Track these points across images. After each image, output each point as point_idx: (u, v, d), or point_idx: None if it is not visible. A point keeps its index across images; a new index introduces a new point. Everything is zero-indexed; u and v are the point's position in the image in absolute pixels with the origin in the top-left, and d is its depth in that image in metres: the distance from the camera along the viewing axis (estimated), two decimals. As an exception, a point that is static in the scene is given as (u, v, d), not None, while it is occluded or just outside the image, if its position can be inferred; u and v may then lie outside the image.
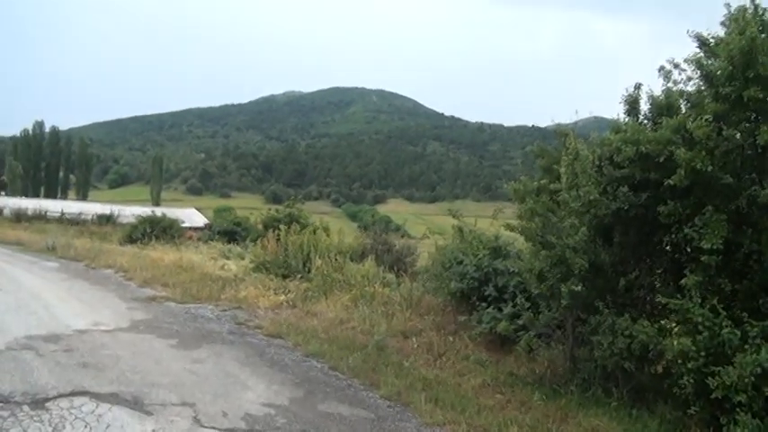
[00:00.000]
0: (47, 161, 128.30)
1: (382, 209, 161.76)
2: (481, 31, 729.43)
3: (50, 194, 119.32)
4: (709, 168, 6.54)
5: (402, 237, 29.99)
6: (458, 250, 9.98)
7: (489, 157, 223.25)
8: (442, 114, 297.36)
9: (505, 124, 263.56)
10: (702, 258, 6.50)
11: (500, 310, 8.88)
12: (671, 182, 6.79)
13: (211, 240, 28.04)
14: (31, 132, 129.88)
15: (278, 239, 15.03)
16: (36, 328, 8.89)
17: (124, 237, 33.71)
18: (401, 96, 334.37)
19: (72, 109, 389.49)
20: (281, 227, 15.28)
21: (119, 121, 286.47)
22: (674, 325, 7.12)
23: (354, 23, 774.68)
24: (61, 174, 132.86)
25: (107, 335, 8.81)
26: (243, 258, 17.74)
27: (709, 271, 6.62)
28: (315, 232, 15.53)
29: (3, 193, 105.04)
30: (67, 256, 19.13)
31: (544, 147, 10.90)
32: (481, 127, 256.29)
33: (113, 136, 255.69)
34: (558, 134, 9.84)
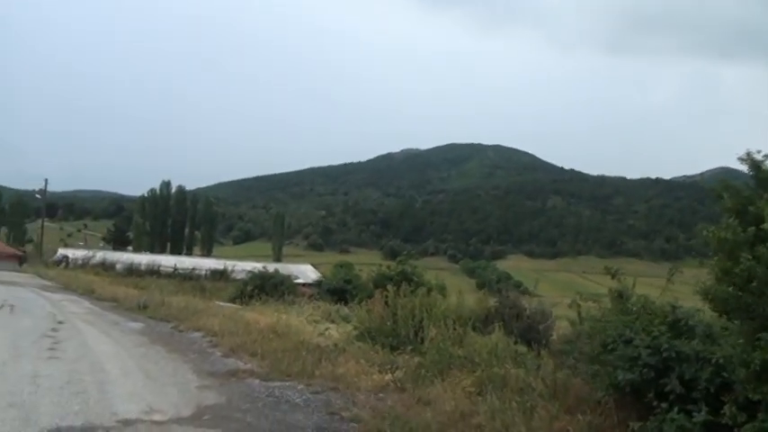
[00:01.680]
0: (173, 218, 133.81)
1: (501, 265, 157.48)
2: (597, 83, 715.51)
3: (176, 250, 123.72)
4: None
5: (526, 296, 27.00)
6: (622, 324, 7.31)
7: (612, 210, 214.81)
8: (562, 168, 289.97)
9: (628, 177, 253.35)
10: None
11: (689, 414, 6.15)
12: None
13: (318, 299, 26.04)
14: (158, 191, 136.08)
15: (386, 302, 12.77)
16: (74, 415, 7.01)
17: (233, 293, 32.78)
18: (518, 151, 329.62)
19: (199, 171, 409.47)
20: (390, 287, 12.96)
21: (244, 181, 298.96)
22: None
23: (470, 80, 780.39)
24: (187, 230, 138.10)
25: (156, 429, 6.80)
26: (349, 322, 15.60)
27: None
28: (429, 293, 13.19)
29: (129, 248, 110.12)
30: (157, 316, 17.60)
31: (728, 182, 8.02)
32: (602, 180, 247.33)
33: (239, 195, 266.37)
34: (750, 163, 7.04)
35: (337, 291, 26.92)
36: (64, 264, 48.44)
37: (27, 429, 6.42)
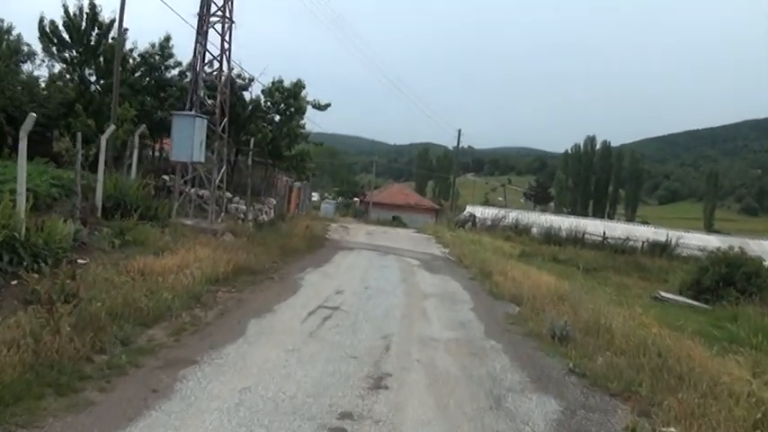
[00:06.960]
0: (596, 176, 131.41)
1: None
2: None
3: (598, 208, 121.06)
4: None
5: None
6: None
7: None
8: None
9: None
10: None
11: None
12: None
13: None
14: (581, 148, 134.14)
15: None
16: None
17: (685, 280, 23.97)
18: None
19: (623, 125, 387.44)
20: None
21: (670, 136, 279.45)
22: None
23: None
24: (610, 188, 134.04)
25: None
26: None
27: None
28: None
29: (551, 204, 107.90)
30: (590, 370, 8.15)
31: None
32: None
33: (664, 151, 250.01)
34: None
35: None
36: (470, 224, 43.38)
37: None
